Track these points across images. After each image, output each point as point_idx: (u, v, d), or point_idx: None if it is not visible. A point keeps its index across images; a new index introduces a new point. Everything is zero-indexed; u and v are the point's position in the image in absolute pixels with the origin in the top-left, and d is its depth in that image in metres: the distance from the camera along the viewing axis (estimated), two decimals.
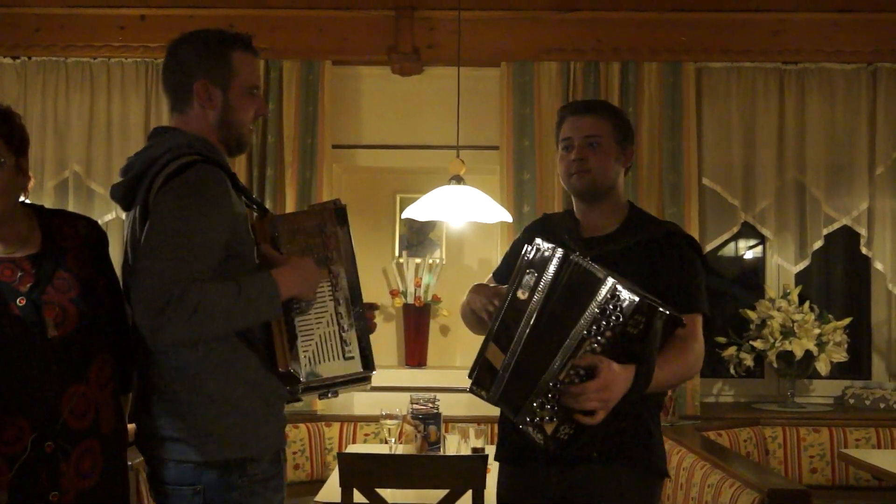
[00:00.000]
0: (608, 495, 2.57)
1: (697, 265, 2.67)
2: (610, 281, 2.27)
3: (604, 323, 2.27)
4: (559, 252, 2.41)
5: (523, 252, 2.51)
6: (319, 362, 2.36)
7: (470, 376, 2.55)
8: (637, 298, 2.24)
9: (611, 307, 2.26)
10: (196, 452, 2.26)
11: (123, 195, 2.38)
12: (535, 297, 2.41)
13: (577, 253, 2.45)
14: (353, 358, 2.38)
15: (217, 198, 2.23)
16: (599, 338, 2.28)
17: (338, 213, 2.46)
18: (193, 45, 2.40)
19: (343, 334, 2.38)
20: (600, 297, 2.27)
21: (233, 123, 2.42)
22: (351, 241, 2.47)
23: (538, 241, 2.50)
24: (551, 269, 2.40)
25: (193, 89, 2.37)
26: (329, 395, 2.45)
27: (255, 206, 2.45)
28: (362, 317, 2.41)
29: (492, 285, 2.75)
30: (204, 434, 2.26)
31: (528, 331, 2.40)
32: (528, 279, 2.44)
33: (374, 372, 2.42)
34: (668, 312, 2.29)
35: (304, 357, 2.35)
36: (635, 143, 2.89)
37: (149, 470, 2.40)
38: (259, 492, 2.31)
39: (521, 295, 2.45)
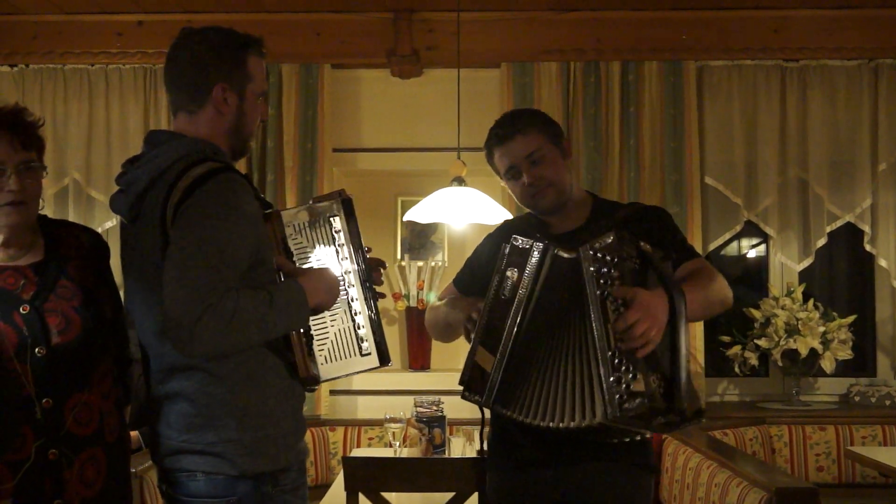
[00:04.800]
0: (607, 495, 2.57)
1: (674, 223, 2.72)
2: (583, 250, 2.31)
3: (605, 271, 2.28)
4: (539, 245, 2.42)
5: (501, 251, 2.50)
6: (336, 359, 2.37)
7: (461, 383, 2.54)
8: (611, 236, 2.30)
9: (599, 263, 2.28)
10: (230, 466, 2.19)
11: (130, 208, 2.27)
12: (520, 293, 2.42)
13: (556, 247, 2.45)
14: (369, 354, 2.39)
15: (243, 206, 2.17)
16: (614, 288, 2.28)
17: (344, 204, 2.39)
18: (211, 44, 2.31)
19: (359, 332, 2.38)
20: (589, 263, 2.29)
21: (243, 131, 2.36)
22: (359, 232, 2.42)
23: (516, 237, 2.49)
24: (533, 262, 2.42)
25: (212, 92, 2.29)
26: None
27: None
28: (375, 304, 2.43)
29: (469, 298, 2.72)
30: (239, 447, 2.20)
31: (515, 330, 2.42)
32: (510, 277, 2.44)
33: (390, 364, 2.43)
34: (645, 245, 2.37)
35: (321, 357, 2.35)
36: (637, 141, 2.90)
37: (167, 483, 2.30)
38: (290, 501, 2.30)
39: (505, 294, 2.45)
